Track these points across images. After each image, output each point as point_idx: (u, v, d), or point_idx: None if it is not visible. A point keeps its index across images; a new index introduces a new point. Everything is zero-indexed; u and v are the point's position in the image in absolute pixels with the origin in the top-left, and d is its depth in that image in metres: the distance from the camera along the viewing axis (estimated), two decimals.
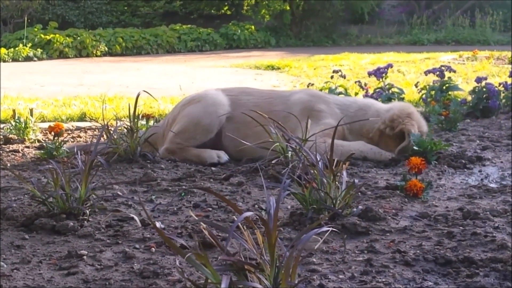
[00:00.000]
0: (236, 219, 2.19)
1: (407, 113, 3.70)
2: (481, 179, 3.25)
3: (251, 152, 3.55)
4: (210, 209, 2.67)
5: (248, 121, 3.47)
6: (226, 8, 19.36)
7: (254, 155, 3.54)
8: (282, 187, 1.94)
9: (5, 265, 2.04)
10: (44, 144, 3.84)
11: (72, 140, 4.42)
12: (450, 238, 2.28)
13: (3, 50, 12.87)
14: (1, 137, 4.30)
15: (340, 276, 1.94)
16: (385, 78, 5.53)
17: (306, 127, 3.37)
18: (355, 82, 5.87)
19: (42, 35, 13.99)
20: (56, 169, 2.50)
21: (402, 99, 5.47)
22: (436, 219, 2.50)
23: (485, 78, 5.50)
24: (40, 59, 13.21)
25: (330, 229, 1.88)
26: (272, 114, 3.55)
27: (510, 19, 18.55)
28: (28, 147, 4.10)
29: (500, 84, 5.63)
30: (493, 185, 3.10)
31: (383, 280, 1.91)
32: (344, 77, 5.84)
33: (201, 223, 1.66)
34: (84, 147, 3.41)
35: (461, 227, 2.38)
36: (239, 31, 16.79)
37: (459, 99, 5.39)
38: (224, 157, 3.62)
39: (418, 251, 2.15)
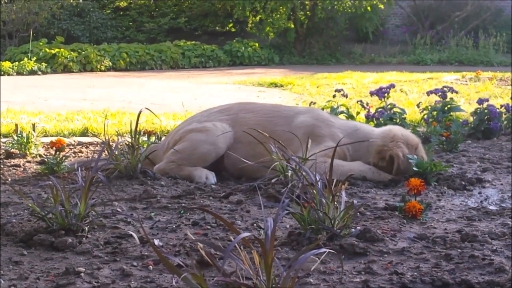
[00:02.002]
0: (233, 238, 2.19)
1: (390, 137, 3.67)
2: (481, 201, 3.25)
3: (253, 172, 3.54)
4: (209, 227, 2.67)
5: (250, 141, 3.46)
6: (230, 25, 19.47)
7: (256, 175, 3.52)
8: (281, 206, 1.95)
9: (2, 281, 2.04)
10: (46, 159, 3.85)
11: (73, 155, 4.44)
12: (448, 261, 2.28)
13: (8, 64, 12.94)
14: (3, 151, 4.32)
15: None
16: (387, 98, 5.55)
17: (306, 147, 3.38)
18: (357, 101, 5.88)
19: (47, 49, 14.06)
20: (56, 185, 2.51)
21: (404, 119, 5.48)
22: (434, 241, 2.50)
23: (487, 100, 5.51)
24: (44, 73, 13.28)
25: (328, 250, 1.88)
26: (275, 134, 3.54)
27: None
28: (29, 162, 4.11)
29: (501, 106, 5.63)
30: (492, 208, 3.10)
31: None
32: (346, 96, 5.85)
33: (198, 242, 1.66)
34: (85, 163, 3.42)
35: (459, 250, 2.38)
36: (243, 48, 16.87)
37: (460, 120, 5.40)
38: (212, 179, 3.59)
39: (415, 273, 2.15)
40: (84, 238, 2.45)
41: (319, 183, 2.48)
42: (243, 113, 3.84)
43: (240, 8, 17.36)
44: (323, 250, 1.79)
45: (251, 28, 18.23)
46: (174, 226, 2.67)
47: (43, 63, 13.53)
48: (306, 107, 4.11)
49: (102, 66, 14.33)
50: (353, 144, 3.68)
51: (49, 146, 4.18)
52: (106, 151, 3.69)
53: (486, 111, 5.33)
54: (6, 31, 15.70)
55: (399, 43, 19.34)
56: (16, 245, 2.39)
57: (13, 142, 4.32)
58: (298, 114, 3.84)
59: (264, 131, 3.47)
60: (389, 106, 5.54)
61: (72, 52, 14.18)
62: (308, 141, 3.39)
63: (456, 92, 5.98)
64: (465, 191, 3.44)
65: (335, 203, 2.48)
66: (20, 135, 4.32)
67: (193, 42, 16.66)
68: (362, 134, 3.77)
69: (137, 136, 3.70)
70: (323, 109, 5.35)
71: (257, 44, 17.25)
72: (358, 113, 5.76)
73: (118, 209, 2.87)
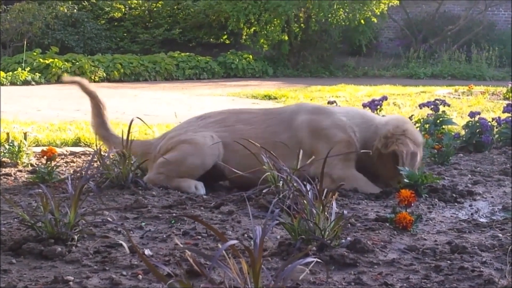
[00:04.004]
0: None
1: (402, 130, 3.62)
2: (471, 214, 3.26)
3: (254, 183, 3.41)
4: (200, 237, 2.67)
5: (248, 154, 3.34)
6: (225, 37, 19.53)
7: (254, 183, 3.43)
8: (270, 216, 1.95)
9: None
10: (37, 169, 3.85)
11: (65, 165, 4.43)
12: (438, 272, 2.28)
13: (2, 74, 12.93)
14: None
15: None
16: (380, 110, 5.57)
17: (298, 157, 3.38)
18: None
19: (41, 60, 14.06)
20: (46, 193, 2.50)
21: None
22: (424, 253, 2.50)
23: (479, 113, 5.54)
24: (38, 83, 13.26)
25: (316, 259, 1.88)
26: (278, 145, 3.53)
27: (506, 55, 18.73)
28: (20, 171, 4.10)
29: (493, 119, 5.66)
30: (482, 220, 3.11)
31: None
32: None
33: (187, 251, 1.66)
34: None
35: (448, 261, 2.39)
36: (237, 60, 16.92)
37: (452, 133, 5.42)
38: (201, 189, 3.58)
39: (405, 284, 2.15)
40: (73, 247, 2.45)
41: (309, 193, 2.48)
42: (241, 125, 3.78)
43: (234, 20, 17.43)
44: (311, 259, 1.79)
45: (245, 40, 18.30)
46: (164, 236, 2.67)
47: (36, 73, 13.52)
48: (295, 104, 4.00)
49: (96, 77, 14.32)
50: (360, 127, 3.66)
51: (40, 155, 4.17)
52: (98, 161, 3.68)
53: (477, 124, 5.36)
54: (0, 41, 15.69)
55: (392, 56, 19.44)
56: (5, 254, 2.37)
57: (5, 151, 4.31)
58: (294, 114, 3.76)
59: (266, 143, 3.45)
60: None
61: (66, 63, 14.18)
62: (300, 152, 3.40)
63: (449, 105, 6.01)
64: (456, 204, 3.45)
65: (326, 213, 2.48)
66: (11, 144, 4.31)
67: (187, 53, 16.69)
68: (368, 118, 3.75)
69: (129, 145, 3.69)
70: None
71: (251, 56, 17.31)
72: None
73: (109, 219, 2.87)
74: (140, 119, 3.67)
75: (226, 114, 3.93)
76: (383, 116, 3.86)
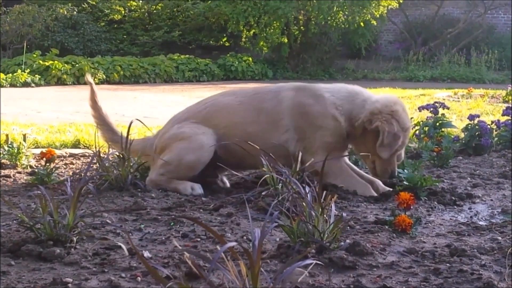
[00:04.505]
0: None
1: (390, 110, 3.56)
2: (471, 217, 3.26)
3: (249, 158, 3.51)
4: (199, 239, 2.67)
5: (240, 122, 3.56)
6: (224, 39, 19.55)
7: (252, 161, 3.51)
8: (269, 219, 1.95)
9: None
10: (36, 170, 3.84)
11: (64, 166, 4.43)
12: (437, 275, 2.28)
13: (1, 75, 12.92)
14: None
15: None
16: None
17: (297, 159, 3.39)
18: None
19: (41, 61, 14.06)
20: (45, 195, 2.50)
21: None
22: (423, 255, 2.50)
23: (478, 116, 5.54)
24: (38, 85, 13.26)
25: (315, 261, 1.88)
26: (263, 111, 3.60)
27: (505, 58, 18.75)
28: (20, 172, 4.10)
29: (492, 122, 5.66)
30: (482, 223, 3.11)
31: None
32: None
33: (185, 253, 1.66)
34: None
35: (448, 264, 2.38)
36: (236, 62, 16.93)
37: (452, 136, 5.42)
38: (198, 189, 3.57)
39: (404, 287, 2.15)
40: (72, 249, 2.44)
41: (308, 195, 2.48)
42: (222, 98, 3.80)
43: (234, 22, 17.44)
44: (309, 261, 1.79)
45: (245, 43, 18.31)
46: (163, 238, 2.66)
47: (36, 75, 13.52)
48: (287, 83, 3.94)
49: (95, 79, 14.31)
50: (345, 101, 3.62)
51: (39, 157, 4.17)
52: (97, 163, 3.68)
53: (477, 127, 5.36)
54: (0, 42, 15.69)
55: (392, 59, 19.46)
56: (3, 255, 2.37)
57: (4, 153, 4.30)
58: (282, 88, 3.75)
59: (250, 109, 3.56)
60: None
61: (65, 65, 14.18)
62: (299, 153, 3.40)
63: (448, 108, 6.01)
64: (455, 206, 3.45)
65: (325, 216, 2.48)
66: (11, 146, 4.31)
67: (187, 56, 16.70)
68: (355, 92, 3.71)
69: (128, 147, 3.69)
70: None
71: (250, 59, 17.32)
72: None
73: (108, 221, 2.87)
74: (139, 121, 3.68)
75: (207, 98, 3.98)
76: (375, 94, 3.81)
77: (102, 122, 3.99)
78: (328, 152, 3.46)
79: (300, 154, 3.50)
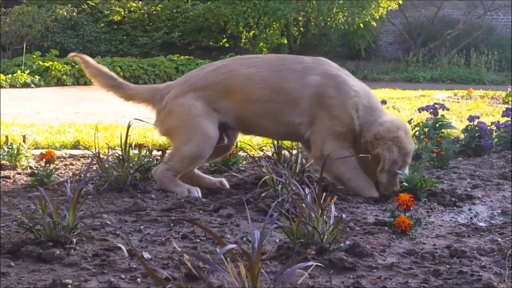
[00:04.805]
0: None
1: (392, 136, 3.54)
2: (470, 218, 3.26)
3: (263, 128, 3.66)
4: (198, 240, 2.67)
5: (256, 99, 3.57)
6: (224, 40, 19.55)
7: (264, 132, 3.68)
8: (269, 220, 1.95)
9: None
10: (36, 171, 3.84)
11: (64, 167, 4.42)
12: (437, 276, 2.28)
13: (1, 76, 12.92)
14: None
15: None
16: None
17: (299, 160, 3.39)
18: None
19: (41, 62, 14.06)
20: (44, 196, 2.50)
21: None
22: (423, 257, 2.50)
23: (478, 117, 5.54)
24: (37, 86, 13.25)
25: (315, 263, 1.88)
26: (283, 91, 3.58)
27: (505, 59, 18.75)
28: (19, 173, 4.10)
29: (492, 123, 5.66)
30: (482, 224, 3.11)
31: None
32: None
33: (185, 254, 1.66)
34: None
35: (447, 265, 2.38)
36: None
37: (452, 137, 5.42)
38: (195, 193, 3.54)
39: None
40: (72, 250, 2.44)
41: (308, 196, 2.48)
42: (243, 68, 3.68)
43: (234, 23, 17.45)
44: (310, 263, 1.79)
45: (245, 44, 18.31)
46: (163, 239, 2.66)
47: (36, 76, 13.51)
48: (311, 58, 3.77)
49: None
50: (364, 108, 3.58)
51: (39, 158, 4.16)
52: (96, 164, 3.68)
53: (477, 128, 5.36)
54: (0, 43, 15.69)
55: (391, 60, 19.45)
56: (3, 257, 2.37)
57: (4, 154, 4.30)
58: (308, 70, 3.63)
59: (272, 87, 3.55)
60: None
61: (65, 65, 14.17)
62: (299, 155, 3.40)
63: (448, 109, 6.01)
64: (455, 207, 3.45)
65: (325, 217, 2.48)
66: (10, 147, 4.30)
67: (187, 56, 16.69)
68: (373, 105, 3.65)
69: (128, 149, 3.69)
70: None
71: None
72: None
73: (107, 222, 2.87)
74: (139, 119, 3.68)
75: (229, 61, 3.84)
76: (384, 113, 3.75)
77: (97, 71, 3.87)
78: (338, 141, 3.52)
79: (310, 137, 3.57)
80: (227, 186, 3.83)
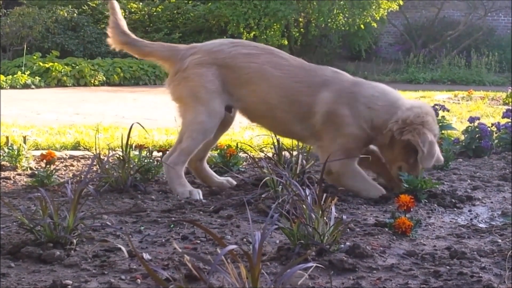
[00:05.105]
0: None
1: (421, 121, 3.52)
2: (471, 219, 3.26)
3: (271, 119, 3.72)
4: (199, 241, 2.67)
5: (268, 104, 3.65)
6: None
7: (271, 123, 3.73)
8: (269, 221, 1.95)
9: None
10: (36, 172, 3.84)
11: (64, 168, 4.42)
12: (437, 278, 2.28)
13: (1, 77, 12.92)
14: None
15: None
16: None
17: (297, 162, 3.39)
18: None
19: (41, 63, 14.06)
20: (44, 197, 2.50)
21: None
22: (423, 258, 2.50)
23: (478, 118, 5.54)
24: (38, 87, 13.25)
25: (315, 264, 1.88)
26: (296, 104, 3.62)
27: (505, 60, 18.76)
28: (20, 174, 4.10)
29: (492, 124, 5.66)
30: (482, 225, 3.11)
31: None
32: None
33: (185, 255, 1.66)
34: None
35: (447, 267, 2.38)
36: None
37: (452, 138, 5.42)
38: (196, 195, 3.52)
39: None
40: (72, 251, 2.44)
41: (308, 198, 2.48)
42: (268, 67, 3.68)
43: (234, 24, 17.45)
44: (310, 264, 1.79)
45: None
46: (163, 240, 2.66)
47: (36, 77, 13.51)
48: (331, 71, 3.76)
49: (95, 81, 14.33)
50: (379, 112, 3.58)
51: (39, 159, 4.17)
52: (97, 165, 3.68)
53: (477, 129, 5.36)
54: (0, 44, 15.70)
55: (392, 61, 19.46)
56: (3, 257, 2.37)
57: (4, 155, 4.30)
58: (323, 86, 3.64)
59: (287, 94, 3.62)
60: None
61: (66, 67, 14.18)
62: (298, 156, 3.40)
63: (448, 110, 6.00)
64: (455, 209, 3.45)
65: (325, 218, 2.48)
66: (11, 148, 4.31)
67: None
68: (392, 101, 3.64)
69: (129, 150, 3.69)
70: None
71: None
72: None
73: (107, 223, 2.87)
74: (139, 124, 3.68)
75: (263, 51, 3.80)
76: (407, 100, 3.74)
77: (115, 24, 3.87)
78: (346, 155, 3.53)
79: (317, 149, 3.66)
80: (234, 183, 3.85)
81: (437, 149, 3.58)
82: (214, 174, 3.92)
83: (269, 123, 3.80)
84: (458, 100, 11.24)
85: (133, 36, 3.89)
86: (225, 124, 3.84)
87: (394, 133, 3.54)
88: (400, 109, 3.59)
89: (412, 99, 11.14)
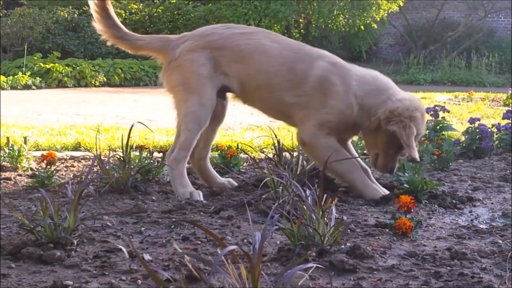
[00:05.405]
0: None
1: (409, 115, 3.52)
2: (471, 220, 3.26)
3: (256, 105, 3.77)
4: (199, 242, 2.67)
5: (267, 70, 3.64)
6: None
7: (269, 99, 3.71)
8: (270, 222, 1.95)
9: None
10: (37, 173, 3.84)
11: (65, 169, 4.42)
12: (437, 278, 2.28)
13: (2, 78, 12.93)
14: None
15: None
16: None
17: (298, 162, 3.39)
18: None
19: (42, 64, 14.07)
20: (45, 197, 2.50)
21: None
22: (424, 259, 2.50)
23: (479, 119, 5.54)
24: (38, 87, 13.26)
25: (315, 265, 1.88)
26: (293, 70, 3.63)
27: (505, 61, 18.76)
28: (20, 175, 4.10)
29: (493, 125, 5.67)
30: (482, 226, 3.11)
31: None
32: None
33: (186, 256, 1.66)
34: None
35: (448, 267, 2.38)
36: None
37: (452, 139, 5.42)
38: (197, 197, 3.51)
39: None
40: (72, 252, 2.44)
41: (309, 198, 2.48)
42: (269, 42, 3.72)
43: None
44: (310, 265, 1.79)
45: None
46: (164, 241, 2.66)
47: (37, 78, 13.51)
48: (330, 54, 3.81)
49: (96, 82, 14.33)
50: (368, 94, 3.59)
51: (40, 159, 4.17)
52: (97, 166, 3.68)
53: (477, 130, 5.36)
54: (1, 45, 15.71)
55: (392, 62, 19.46)
56: (4, 258, 2.37)
57: (4, 155, 4.30)
58: (319, 57, 3.71)
59: (285, 62, 3.62)
60: None
61: (66, 67, 14.18)
62: (300, 157, 3.40)
63: (448, 111, 6.01)
64: (455, 210, 3.45)
65: (325, 219, 2.48)
66: (11, 148, 4.31)
67: None
68: (381, 87, 3.65)
69: (129, 150, 3.69)
70: None
71: None
72: None
73: (108, 223, 2.87)
74: (141, 123, 3.68)
75: (257, 30, 3.88)
76: (400, 90, 3.75)
77: (105, 15, 3.79)
78: (321, 129, 3.58)
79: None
80: (235, 184, 3.86)
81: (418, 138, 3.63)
82: (217, 174, 3.92)
83: (263, 95, 3.73)
84: (459, 101, 11.24)
85: (124, 29, 3.86)
86: (219, 114, 3.85)
87: (381, 121, 3.55)
88: (390, 99, 3.59)
89: None
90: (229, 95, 3.89)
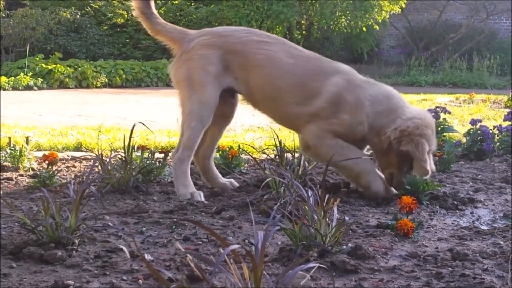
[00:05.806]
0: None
1: (420, 133, 3.50)
2: (473, 221, 3.26)
3: (275, 103, 3.69)
4: (200, 242, 2.67)
5: (276, 86, 3.61)
6: None
7: (276, 106, 3.70)
8: (272, 222, 1.94)
9: None
10: (38, 173, 3.85)
11: (66, 169, 4.43)
12: (439, 279, 2.28)
13: (4, 79, 12.94)
14: None
15: None
16: None
17: (300, 161, 3.39)
18: None
19: (43, 65, 14.08)
20: (47, 197, 2.50)
21: None
22: (425, 259, 2.50)
23: (480, 121, 5.54)
24: (40, 88, 13.27)
25: (317, 265, 1.88)
26: (307, 87, 3.60)
27: (507, 63, 18.75)
28: (22, 175, 4.10)
29: (494, 127, 5.66)
30: (484, 227, 3.11)
31: None
32: None
33: (188, 255, 1.66)
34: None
35: (450, 268, 2.38)
36: None
37: (454, 141, 5.41)
38: (198, 197, 3.50)
39: None
40: (74, 251, 2.44)
41: (311, 199, 2.48)
42: (285, 56, 3.67)
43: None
44: (312, 265, 1.79)
45: None
46: (165, 241, 2.66)
47: (39, 79, 13.53)
48: (347, 66, 3.79)
49: (98, 83, 14.34)
50: (378, 114, 3.57)
51: (42, 159, 4.17)
52: (99, 166, 3.68)
53: (479, 132, 5.36)
54: (3, 45, 15.72)
55: (394, 64, 19.47)
56: (5, 258, 2.37)
57: (6, 155, 4.31)
58: (334, 73, 3.66)
59: (297, 78, 3.60)
60: None
61: (68, 68, 14.19)
62: (301, 158, 3.40)
63: (449, 113, 6.00)
64: (457, 211, 3.45)
65: (327, 219, 2.48)
66: (13, 149, 4.31)
67: None
68: (392, 107, 3.61)
69: (131, 151, 3.69)
70: None
71: None
72: None
73: (109, 223, 2.87)
74: (142, 123, 3.68)
75: (275, 40, 3.80)
76: (410, 107, 3.70)
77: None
78: (331, 133, 3.57)
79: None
80: (237, 185, 3.85)
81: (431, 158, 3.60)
82: (219, 175, 3.92)
83: (270, 106, 3.73)
84: (460, 103, 11.24)
85: (153, 10, 3.86)
86: (227, 116, 3.86)
87: (392, 141, 3.53)
88: (400, 117, 3.56)
89: (413, 102, 11.22)
90: (239, 96, 3.87)
